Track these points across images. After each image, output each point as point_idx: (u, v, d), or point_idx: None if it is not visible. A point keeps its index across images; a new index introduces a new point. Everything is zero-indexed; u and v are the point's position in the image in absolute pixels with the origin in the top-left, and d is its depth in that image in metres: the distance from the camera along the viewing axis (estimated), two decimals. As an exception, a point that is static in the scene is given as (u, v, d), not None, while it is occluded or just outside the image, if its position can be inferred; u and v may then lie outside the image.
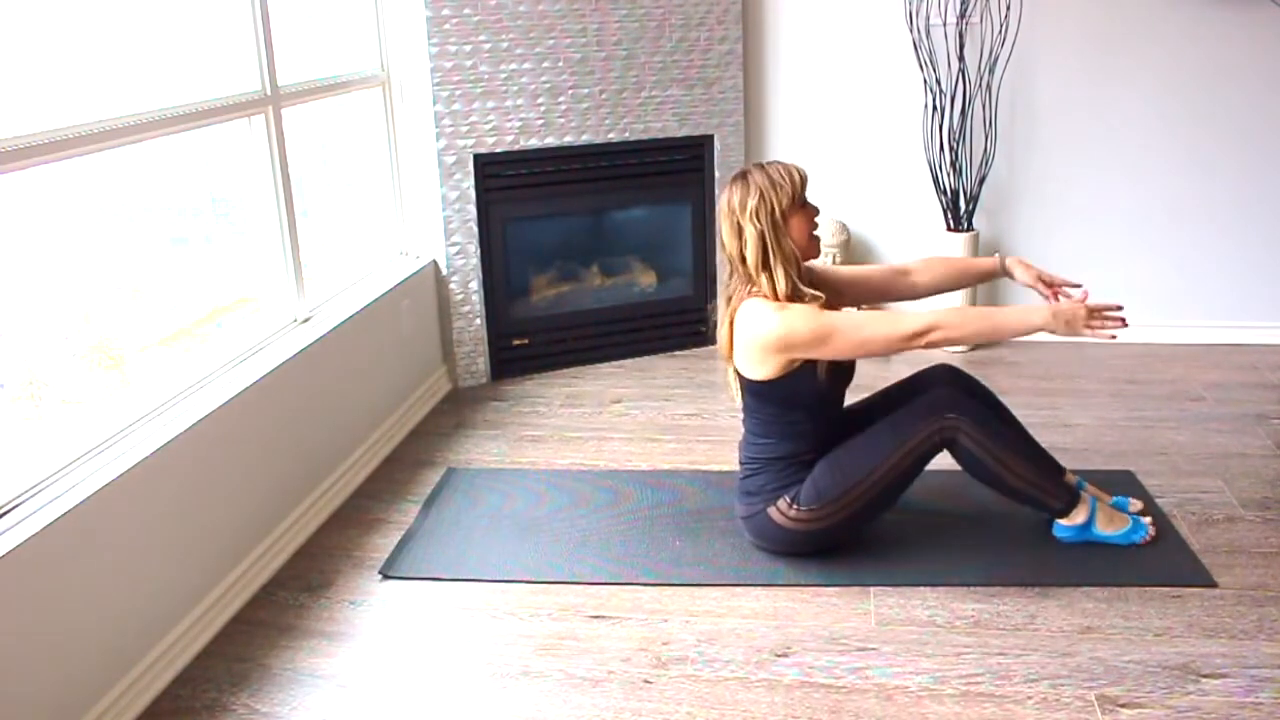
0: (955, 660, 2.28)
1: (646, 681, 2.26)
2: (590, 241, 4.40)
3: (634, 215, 4.39)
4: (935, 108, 4.07)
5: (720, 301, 2.67)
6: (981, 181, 4.11)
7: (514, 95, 3.85)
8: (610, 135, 4.03)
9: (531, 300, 4.23)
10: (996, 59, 4.01)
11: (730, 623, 2.46)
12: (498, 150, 3.88)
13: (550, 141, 3.95)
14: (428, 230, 3.91)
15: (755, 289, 2.54)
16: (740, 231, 2.51)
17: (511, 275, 4.11)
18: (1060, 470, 2.82)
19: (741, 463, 2.74)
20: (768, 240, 2.49)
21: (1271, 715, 2.07)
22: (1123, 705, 2.11)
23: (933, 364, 2.86)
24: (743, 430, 2.75)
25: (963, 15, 3.98)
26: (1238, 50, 3.96)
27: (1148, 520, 2.73)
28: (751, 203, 2.49)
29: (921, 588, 2.55)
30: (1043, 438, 2.87)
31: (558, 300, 4.27)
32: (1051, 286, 2.72)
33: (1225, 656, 2.25)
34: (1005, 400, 2.87)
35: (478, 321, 4.02)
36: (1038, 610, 2.45)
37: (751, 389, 2.63)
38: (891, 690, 2.19)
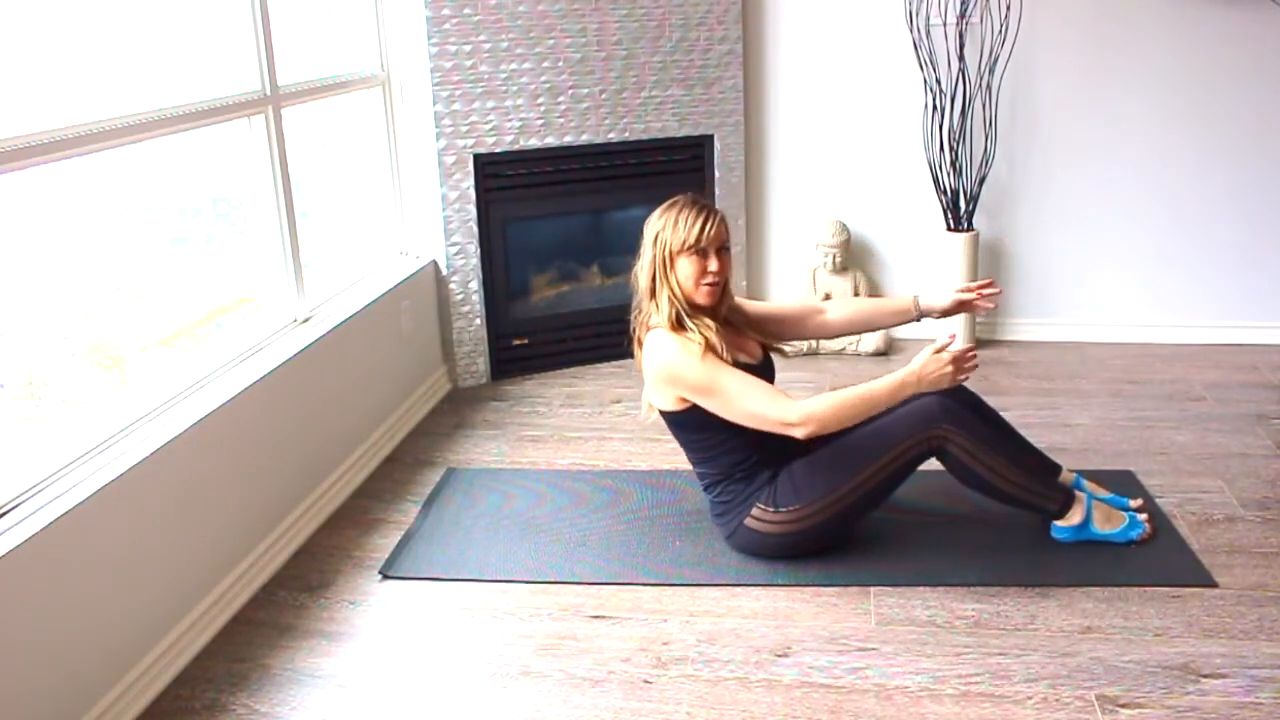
0: (955, 660, 2.28)
1: (646, 681, 2.26)
2: (590, 241, 4.40)
3: (634, 215, 4.35)
4: (935, 108, 4.07)
5: (632, 317, 2.68)
6: (981, 181, 4.11)
7: (514, 95, 3.85)
8: (610, 135, 4.03)
9: (531, 300, 4.23)
10: (996, 59, 4.01)
11: (730, 623, 2.46)
12: (498, 150, 3.88)
13: (550, 141, 3.95)
14: (428, 230, 3.91)
15: (654, 314, 2.57)
16: (643, 253, 2.59)
17: (511, 275, 4.11)
18: (1054, 470, 2.82)
19: (703, 490, 2.75)
20: (657, 269, 2.55)
21: (1271, 715, 2.07)
22: (1123, 705, 2.11)
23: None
24: None
25: (963, 15, 3.98)
26: (1238, 50, 3.96)
27: (1144, 516, 2.72)
28: (656, 228, 2.57)
29: (921, 588, 2.55)
30: (1043, 438, 2.88)
31: (558, 300, 4.27)
32: (969, 293, 2.76)
33: (1225, 656, 2.25)
34: (1005, 400, 2.87)
35: (478, 321, 4.02)
36: (1038, 610, 2.45)
37: (669, 419, 2.64)
38: (891, 690, 2.19)
